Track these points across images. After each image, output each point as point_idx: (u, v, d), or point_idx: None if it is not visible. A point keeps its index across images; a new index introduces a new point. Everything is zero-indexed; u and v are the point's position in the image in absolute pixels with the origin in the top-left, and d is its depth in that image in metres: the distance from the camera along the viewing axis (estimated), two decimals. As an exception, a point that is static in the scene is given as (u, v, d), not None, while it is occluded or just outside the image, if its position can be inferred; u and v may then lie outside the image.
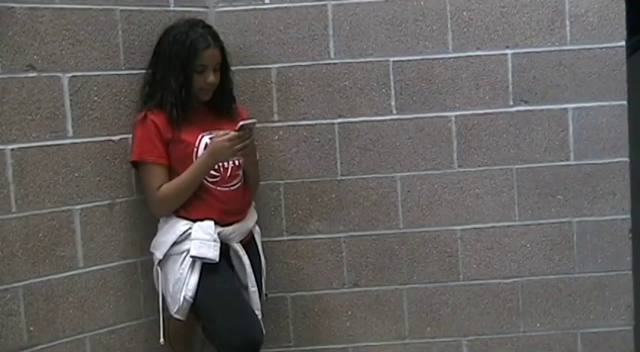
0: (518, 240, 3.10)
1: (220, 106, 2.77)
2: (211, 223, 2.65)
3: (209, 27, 2.74)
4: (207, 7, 2.98)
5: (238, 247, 2.72)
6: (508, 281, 3.11)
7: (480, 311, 3.12)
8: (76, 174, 2.65)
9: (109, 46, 2.71)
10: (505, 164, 3.07)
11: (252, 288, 2.74)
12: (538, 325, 3.13)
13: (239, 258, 2.72)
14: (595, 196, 3.08)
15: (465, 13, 3.02)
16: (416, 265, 3.09)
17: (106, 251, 2.71)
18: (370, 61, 2.98)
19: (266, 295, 2.88)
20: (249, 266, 2.73)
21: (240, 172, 2.76)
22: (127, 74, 2.76)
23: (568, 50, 3.02)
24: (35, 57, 2.55)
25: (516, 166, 3.07)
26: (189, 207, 2.68)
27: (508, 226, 3.09)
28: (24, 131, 2.53)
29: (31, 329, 2.56)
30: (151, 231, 2.75)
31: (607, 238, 3.09)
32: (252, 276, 2.73)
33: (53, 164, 2.60)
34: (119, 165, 2.75)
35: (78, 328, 2.68)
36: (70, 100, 2.63)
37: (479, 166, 3.07)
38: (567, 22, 3.01)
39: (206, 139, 2.68)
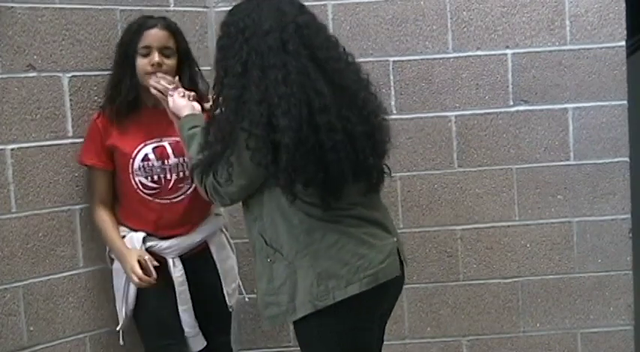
0: (518, 240, 3.10)
1: None
2: (140, 236, 2.54)
3: (166, 19, 2.58)
4: (207, 7, 2.98)
5: (172, 263, 2.57)
6: (508, 281, 3.12)
7: (479, 311, 3.12)
8: (76, 174, 2.65)
9: (109, 46, 2.70)
10: (505, 164, 3.07)
11: (183, 307, 2.58)
12: (538, 325, 3.13)
13: (172, 273, 2.58)
14: (595, 196, 3.08)
15: (465, 13, 3.02)
16: (416, 265, 3.09)
17: (105, 251, 2.71)
18: (370, 61, 2.97)
19: (231, 307, 2.71)
20: (181, 283, 2.57)
21: (187, 185, 2.56)
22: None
23: (568, 50, 3.02)
24: (35, 57, 2.55)
25: (516, 166, 3.07)
26: (127, 215, 2.60)
27: (508, 226, 3.09)
28: (24, 131, 2.53)
29: (31, 329, 2.57)
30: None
31: (607, 238, 3.09)
32: (185, 294, 2.58)
33: (53, 164, 2.60)
34: (119, 165, 2.75)
35: (78, 328, 2.68)
36: (70, 100, 2.63)
37: (479, 166, 3.07)
38: (567, 22, 3.01)
39: (147, 150, 2.53)
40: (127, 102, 2.52)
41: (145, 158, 2.54)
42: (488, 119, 3.05)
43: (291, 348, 3.12)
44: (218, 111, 2.12)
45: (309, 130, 1.99)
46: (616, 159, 3.06)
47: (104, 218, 2.59)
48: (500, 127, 3.05)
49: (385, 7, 3.01)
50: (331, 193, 2.07)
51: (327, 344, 2.15)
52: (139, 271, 2.47)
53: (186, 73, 2.57)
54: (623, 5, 3.00)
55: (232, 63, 2.06)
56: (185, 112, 2.37)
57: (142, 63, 2.50)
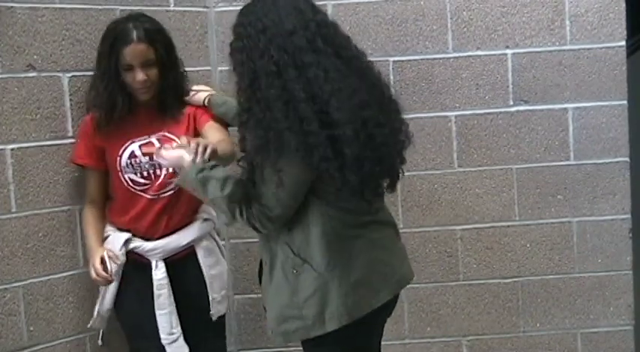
0: (518, 240, 3.10)
1: (161, 107, 2.55)
2: (123, 237, 2.53)
3: (145, 21, 2.50)
4: (207, 7, 2.98)
5: (154, 265, 2.54)
6: (508, 281, 3.12)
7: (479, 311, 3.12)
8: (76, 174, 2.65)
9: (109, 46, 2.71)
10: (505, 164, 3.07)
11: (160, 311, 2.53)
12: (538, 325, 3.13)
13: (155, 275, 2.54)
14: (595, 196, 3.08)
15: (465, 13, 3.02)
16: (416, 265, 3.07)
17: (106, 251, 2.71)
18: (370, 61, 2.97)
19: (211, 315, 2.63)
20: (160, 287, 2.53)
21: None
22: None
23: (568, 50, 3.02)
24: (35, 57, 2.55)
25: (516, 166, 3.07)
26: (115, 212, 2.59)
27: (508, 226, 3.09)
28: (24, 131, 2.53)
29: (31, 328, 2.57)
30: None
31: (607, 238, 3.09)
32: (163, 298, 2.53)
33: (53, 164, 2.60)
34: (119, 165, 2.75)
35: (78, 328, 2.68)
36: (70, 100, 2.63)
37: (479, 166, 3.07)
38: (567, 22, 3.01)
39: (134, 147, 2.52)
40: (122, 116, 2.51)
41: (132, 155, 2.53)
42: (488, 119, 3.05)
43: (292, 348, 3.12)
44: (259, 112, 1.98)
45: (359, 124, 1.95)
46: (616, 159, 3.06)
47: (87, 216, 2.61)
48: (500, 127, 3.05)
49: (385, 7, 3.01)
50: (373, 189, 2.05)
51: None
52: (98, 267, 2.44)
53: (168, 77, 2.52)
54: (623, 5, 3.00)
55: (262, 63, 1.96)
56: (185, 161, 2.18)
57: (128, 79, 2.47)
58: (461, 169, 3.08)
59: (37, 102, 2.56)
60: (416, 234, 3.09)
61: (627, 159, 3.06)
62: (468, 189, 3.08)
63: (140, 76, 2.45)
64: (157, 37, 2.49)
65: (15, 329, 2.53)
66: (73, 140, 2.63)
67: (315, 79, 1.93)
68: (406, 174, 3.01)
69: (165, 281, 2.54)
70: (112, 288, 2.54)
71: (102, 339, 2.64)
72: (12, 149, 2.51)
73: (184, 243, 2.59)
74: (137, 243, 2.55)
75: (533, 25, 3.01)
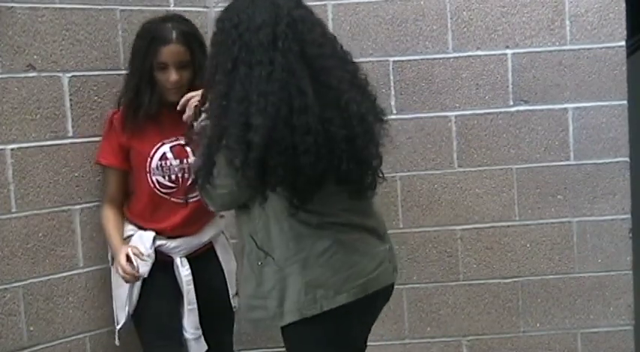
0: (518, 240, 3.10)
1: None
2: (151, 235, 2.55)
3: (182, 22, 2.54)
4: (207, 7, 2.98)
5: (179, 262, 2.58)
6: (508, 281, 3.12)
7: (479, 311, 3.12)
8: (76, 174, 2.65)
9: (109, 46, 2.71)
10: (505, 164, 3.07)
11: (189, 307, 2.58)
12: (538, 325, 3.13)
13: (179, 272, 2.59)
14: (595, 196, 3.08)
15: (465, 13, 3.02)
16: (416, 265, 3.09)
17: (105, 251, 2.70)
18: (370, 61, 2.97)
19: (235, 307, 2.69)
20: (189, 282, 2.58)
21: None
22: (127, 74, 2.75)
23: (568, 50, 3.02)
24: (35, 57, 2.55)
25: (516, 166, 3.07)
26: (138, 213, 2.60)
27: (508, 226, 3.09)
28: (24, 131, 2.53)
29: (31, 329, 2.57)
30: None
31: (607, 238, 3.09)
32: (192, 294, 2.58)
33: (53, 164, 2.60)
34: (119, 165, 2.75)
35: (78, 328, 2.68)
36: (70, 100, 2.63)
37: (479, 166, 3.07)
38: (567, 22, 3.01)
39: (165, 149, 2.54)
40: (149, 114, 2.52)
41: (163, 157, 2.54)
42: (488, 119, 3.05)
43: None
44: (207, 108, 2.08)
45: (285, 131, 1.92)
46: (616, 159, 3.06)
47: (108, 215, 2.60)
48: (500, 127, 3.05)
49: (385, 7, 3.01)
50: (301, 197, 2.00)
51: (312, 351, 2.14)
52: (125, 265, 2.45)
53: (198, 80, 2.49)
54: (623, 5, 3.00)
55: (223, 59, 2.00)
56: None
57: (160, 78, 2.49)
58: (461, 169, 3.08)
59: (37, 102, 2.56)
60: (416, 234, 3.09)
61: (627, 159, 3.06)
62: (468, 189, 3.08)
63: (174, 76, 2.46)
64: (194, 39, 2.52)
65: (15, 329, 2.53)
66: (73, 140, 2.63)
67: (258, 78, 1.94)
68: (406, 174, 3.07)
69: (191, 277, 2.58)
70: (138, 287, 2.55)
71: (119, 339, 2.64)
72: (12, 149, 2.51)
73: (205, 239, 2.65)
74: (161, 241, 2.57)
75: (533, 25, 3.01)
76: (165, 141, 2.55)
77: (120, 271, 2.47)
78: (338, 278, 2.06)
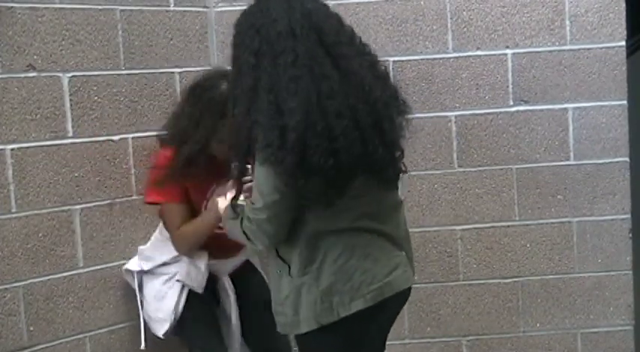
0: (518, 240, 3.10)
1: None
2: (204, 255, 2.63)
3: None
4: (207, 7, 2.98)
5: (226, 281, 2.72)
6: (508, 281, 3.12)
7: (479, 311, 3.12)
8: (76, 174, 2.65)
9: (109, 46, 2.71)
10: (505, 164, 3.07)
11: (235, 322, 2.71)
12: (538, 325, 3.13)
13: (226, 290, 2.72)
14: (595, 196, 3.08)
15: (465, 13, 3.02)
16: (416, 265, 3.06)
17: (106, 251, 2.71)
18: (370, 61, 2.97)
19: None
20: (234, 299, 2.71)
21: None
22: (127, 74, 2.75)
23: (568, 50, 3.02)
24: (35, 57, 2.55)
25: (516, 166, 3.07)
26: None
27: (508, 226, 3.09)
28: (24, 131, 2.53)
29: (31, 329, 2.56)
30: (151, 231, 2.75)
31: (607, 238, 3.09)
32: (236, 309, 2.71)
33: (53, 164, 2.60)
34: (119, 165, 2.75)
35: (78, 328, 2.68)
36: (70, 100, 2.63)
37: (479, 166, 3.07)
38: (567, 22, 3.01)
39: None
40: (201, 155, 2.50)
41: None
42: (488, 119, 3.05)
43: (292, 348, 3.13)
44: (234, 108, 2.04)
45: (318, 114, 1.92)
46: (616, 159, 3.06)
47: (186, 226, 2.59)
48: (500, 127, 3.05)
49: (385, 7, 3.01)
50: (336, 187, 1.98)
51: None
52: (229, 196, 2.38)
53: None
54: (623, 5, 3.00)
55: (245, 56, 2.00)
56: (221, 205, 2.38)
57: (218, 151, 2.47)
58: (461, 169, 3.08)
59: (37, 102, 2.56)
60: (416, 234, 3.08)
61: (627, 159, 3.06)
62: (468, 189, 3.08)
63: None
64: None
65: (15, 329, 2.53)
66: (73, 140, 2.63)
67: (284, 65, 1.94)
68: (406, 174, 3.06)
69: (235, 296, 2.73)
70: (185, 293, 2.62)
71: (146, 343, 2.67)
72: (12, 149, 2.51)
73: (244, 258, 2.80)
74: (211, 261, 2.66)
75: (533, 25, 3.01)
76: (217, 185, 2.56)
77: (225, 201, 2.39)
78: (352, 285, 2.06)
